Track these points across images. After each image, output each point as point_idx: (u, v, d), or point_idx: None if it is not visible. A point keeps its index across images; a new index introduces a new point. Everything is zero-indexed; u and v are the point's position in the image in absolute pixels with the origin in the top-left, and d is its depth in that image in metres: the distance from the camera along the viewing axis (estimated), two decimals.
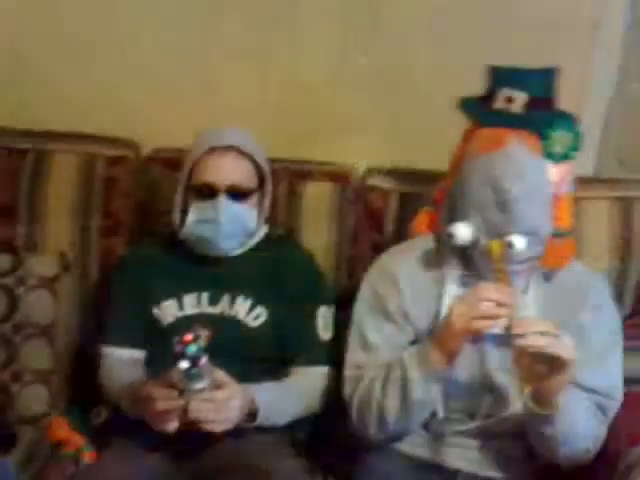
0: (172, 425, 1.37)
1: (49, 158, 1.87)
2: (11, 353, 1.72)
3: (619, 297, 1.71)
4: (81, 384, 1.75)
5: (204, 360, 1.32)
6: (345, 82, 1.92)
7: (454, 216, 1.39)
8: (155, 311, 1.60)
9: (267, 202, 1.64)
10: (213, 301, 1.59)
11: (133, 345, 1.62)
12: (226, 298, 1.59)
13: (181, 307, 1.59)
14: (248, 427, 1.45)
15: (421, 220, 1.50)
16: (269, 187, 1.63)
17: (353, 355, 1.45)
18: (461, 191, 1.38)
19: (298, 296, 1.60)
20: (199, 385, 1.33)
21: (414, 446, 1.46)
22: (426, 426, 1.44)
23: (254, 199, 1.60)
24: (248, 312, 1.59)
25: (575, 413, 1.32)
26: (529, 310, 1.36)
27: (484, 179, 1.33)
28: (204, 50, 1.94)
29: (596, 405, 1.39)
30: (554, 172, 1.34)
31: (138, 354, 1.61)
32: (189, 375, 1.32)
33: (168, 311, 1.59)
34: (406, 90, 1.90)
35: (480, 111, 1.37)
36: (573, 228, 1.39)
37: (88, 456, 1.55)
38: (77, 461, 1.55)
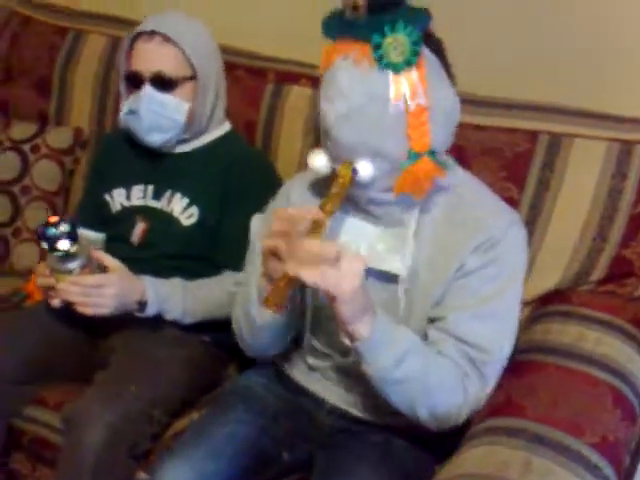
0: (54, 301, 1.43)
1: (84, 38, 1.98)
2: (15, 212, 1.91)
3: (593, 257, 1.44)
4: None
5: (65, 244, 1.34)
6: None
7: None
8: (106, 197, 1.64)
9: (211, 95, 1.57)
10: (157, 195, 1.60)
11: (90, 226, 1.66)
12: (168, 193, 1.59)
13: (128, 197, 1.62)
14: (144, 316, 1.48)
15: None
16: (210, 78, 1.55)
17: (244, 270, 1.40)
18: None
19: (238, 199, 1.56)
20: (67, 266, 1.38)
21: (292, 367, 1.40)
22: (300, 352, 1.37)
23: (186, 90, 1.53)
24: (183, 210, 1.58)
25: (393, 355, 1.15)
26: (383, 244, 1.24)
27: (319, 104, 1.19)
28: None
29: (466, 357, 1.20)
30: (397, 83, 1.12)
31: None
32: (59, 256, 1.36)
33: (117, 199, 1.63)
34: None
35: (329, 23, 1.18)
36: (427, 148, 1.16)
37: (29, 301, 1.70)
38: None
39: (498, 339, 1.22)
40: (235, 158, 1.59)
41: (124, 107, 1.54)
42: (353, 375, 1.30)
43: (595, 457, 1.08)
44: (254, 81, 1.73)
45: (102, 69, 1.95)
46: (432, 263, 1.23)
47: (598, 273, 1.45)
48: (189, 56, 1.52)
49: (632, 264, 1.43)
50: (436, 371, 1.18)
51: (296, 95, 1.70)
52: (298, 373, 1.39)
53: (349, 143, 1.15)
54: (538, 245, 1.47)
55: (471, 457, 1.10)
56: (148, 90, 1.50)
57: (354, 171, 1.15)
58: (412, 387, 1.17)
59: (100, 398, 1.33)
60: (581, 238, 1.44)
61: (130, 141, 1.62)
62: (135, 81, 1.52)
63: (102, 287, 1.40)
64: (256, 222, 1.39)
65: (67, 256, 1.36)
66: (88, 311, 1.40)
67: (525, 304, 1.41)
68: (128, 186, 1.62)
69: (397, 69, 1.11)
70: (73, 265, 1.37)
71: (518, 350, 1.34)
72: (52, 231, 1.33)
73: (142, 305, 1.46)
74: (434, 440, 1.27)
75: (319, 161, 1.20)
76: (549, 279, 1.47)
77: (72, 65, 1.98)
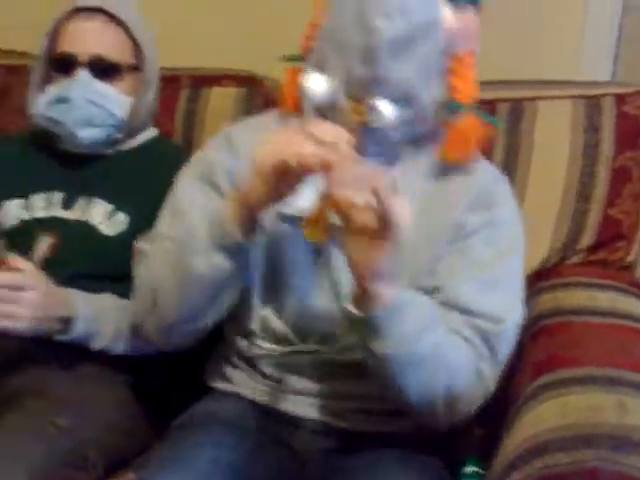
0: None
1: None
2: None
3: (580, 220, 1.30)
4: None
5: None
6: None
7: (317, 67, 1.03)
8: None
9: (152, 93, 1.35)
10: (68, 203, 1.31)
11: None
12: (83, 201, 1.30)
13: (28, 208, 1.31)
14: (67, 339, 1.14)
15: (289, 82, 1.09)
16: (153, 72, 1.34)
17: (158, 225, 1.11)
18: (326, 30, 1.03)
19: None
20: None
21: (252, 390, 1.10)
22: (241, 353, 1.09)
23: (128, 83, 1.31)
24: (106, 218, 1.29)
25: (418, 324, 0.93)
26: None
27: (350, 9, 0.98)
28: None
29: (477, 331, 0.99)
30: (453, 20, 0.99)
31: None
32: None
33: (12, 212, 1.31)
34: None
35: None
36: (475, 101, 1.03)
37: None
38: None
39: (508, 306, 1.02)
40: (170, 163, 1.31)
41: (44, 96, 1.28)
42: (328, 368, 1.04)
43: None
44: (166, 88, 1.51)
45: None
46: (420, 223, 1.01)
47: (587, 239, 1.31)
48: (138, 42, 1.30)
49: (620, 224, 1.31)
50: (453, 348, 0.97)
51: (218, 96, 1.50)
52: (257, 393, 1.09)
53: (393, 75, 0.96)
54: None
55: (545, 413, 0.88)
56: (83, 75, 1.25)
57: (373, 110, 0.95)
58: (432, 367, 0.94)
59: (20, 434, 0.99)
60: (563, 202, 1.31)
61: (28, 145, 1.36)
62: (65, 65, 1.27)
63: (20, 290, 1.07)
64: (187, 182, 1.12)
65: None
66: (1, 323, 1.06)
67: None
68: (26, 195, 1.31)
69: (460, 1, 0.99)
70: None
71: (531, 321, 1.16)
72: None
73: (66, 323, 1.13)
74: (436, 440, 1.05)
75: (320, 84, 0.98)
76: (536, 254, 1.31)
77: None
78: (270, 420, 1.07)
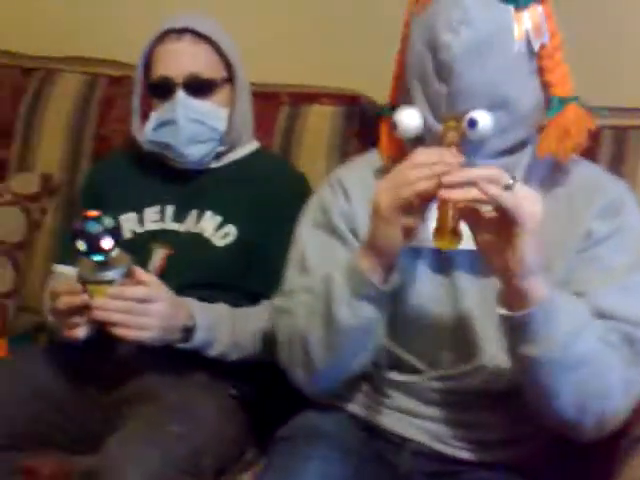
0: (81, 331, 1.12)
1: (55, 77, 1.74)
2: None
3: None
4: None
5: (109, 243, 1.07)
6: None
7: (406, 104, 1.07)
8: None
9: (247, 101, 1.39)
10: (179, 216, 1.35)
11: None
12: (194, 213, 1.35)
13: (141, 222, 1.36)
14: (189, 347, 1.19)
15: (386, 131, 1.12)
16: (244, 81, 1.38)
17: (289, 279, 1.14)
18: (404, 65, 1.07)
19: (279, 219, 1.31)
20: (107, 275, 1.09)
21: (361, 406, 1.12)
22: (368, 378, 1.10)
23: (223, 96, 1.35)
24: (216, 229, 1.33)
25: (572, 325, 0.92)
26: None
27: (421, 37, 1.02)
28: None
29: (622, 336, 0.97)
30: (519, 19, 1.00)
31: None
32: (98, 262, 1.08)
33: (126, 225, 1.35)
34: None
35: None
36: (571, 92, 1.04)
37: None
38: None
39: None
40: (271, 174, 1.39)
41: (149, 122, 1.33)
42: (445, 394, 1.05)
43: None
44: (266, 105, 1.54)
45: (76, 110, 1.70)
46: (550, 234, 1.01)
47: None
48: (227, 54, 1.34)
49: None
50: (603, 355, 0.95)
51: (317, 114, 1.53)
52: (366, 409, 1.11)
53: (472, 85, 0.98)
54: None
55: None
56: (181, 96, 1.29)
57: (471, 122, 0.97)
58: (584, 374, 0.93)
59: (137, 440, 1.03)
60: None
61: (136, 161, 1.41)
62: (163, 89, 1.32)
63: (148, 302, 1.11)
64: (307, 232, 1.15)
65: (107, 262, 1.08)
66: (129, 334, 1.11)
67: None
68: (140, 209, 1.36)
69: (520, 3, 0.99)
70: (114, 274, 1.09)
71: None
72: (94, 226, 1.05)
73: (188, 332, 1.18)
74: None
75: (411, 117, 1.01)
76: None
77: (39, 108, 1.73)
78: (373, 437, 1.08)
